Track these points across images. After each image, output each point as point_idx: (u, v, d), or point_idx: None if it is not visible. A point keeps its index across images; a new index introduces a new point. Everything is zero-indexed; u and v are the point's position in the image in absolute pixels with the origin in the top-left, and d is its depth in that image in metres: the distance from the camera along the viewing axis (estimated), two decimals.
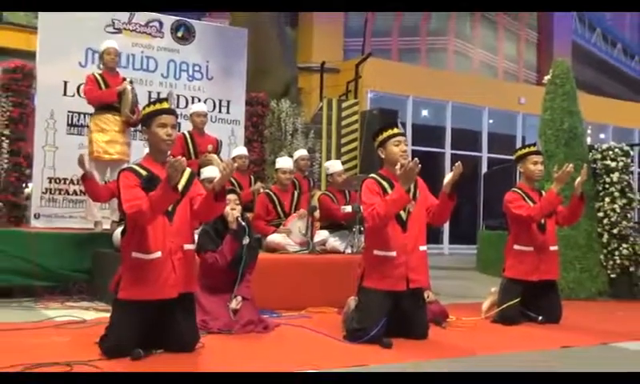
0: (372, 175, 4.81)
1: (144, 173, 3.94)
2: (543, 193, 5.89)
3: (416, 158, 4.33)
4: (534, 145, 6.06)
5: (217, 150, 7.34)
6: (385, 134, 4.73)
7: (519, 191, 5.88)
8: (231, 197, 5.06)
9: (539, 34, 20.86)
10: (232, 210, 4.99)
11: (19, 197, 7.60)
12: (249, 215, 6.54)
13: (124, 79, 7.00)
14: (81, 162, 6.04)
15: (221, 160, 7.17)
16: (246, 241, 4.96)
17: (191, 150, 7.13)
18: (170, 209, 3.91)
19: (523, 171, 5.93)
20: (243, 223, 4.98)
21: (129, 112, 6.81)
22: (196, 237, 6.17)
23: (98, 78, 6.92)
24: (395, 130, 4.74)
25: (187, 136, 7.19)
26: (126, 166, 4.11)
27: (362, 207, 4.80)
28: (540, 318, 5.68)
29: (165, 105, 4.05)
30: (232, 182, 7.27)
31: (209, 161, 6.94)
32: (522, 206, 5.73)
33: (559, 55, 15.78)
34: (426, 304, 5.03)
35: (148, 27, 8.35)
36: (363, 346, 4.41)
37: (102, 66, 7.11)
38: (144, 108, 4.14)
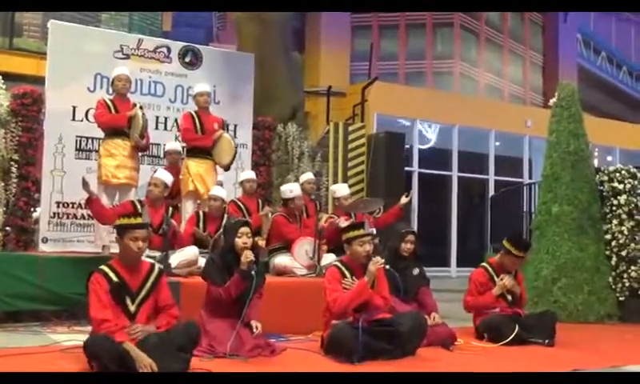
0: (335, 262, 5.32)
1: (114, 278, 4.25)
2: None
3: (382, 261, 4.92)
4: (525, 250, 6.06)
5: (222, 128, 7.43)
6: (351, 234, 5.09)
7: (488, 270, 6.05)
8: (244, 230, 4.97)
9: (544, 57, 20.93)
10: (244, 244, 4.91)
11: (27, 221, 7.63)
12: (257, 239, 6.55)
13: (134, 105, 7.06)
14: (84, 185, 6.06)
15: (232, 139, 7.30)
16: (253, 270, 4.95)
17: (198, 128, 7.20)
18: (132, 310, 4.28)
19: (500, 259, 6.03)
20: (254, 265, 4.90)
21: (138, 137, 6.85)
22: (201, 260, 6.22)
23: (109, 103, 6.98)
24: (361, 231, 5.06)
25: (194, 115, 7.28)
26: (97, 267, 4.33)
27: (326, 291, 5.01)
28: (547, 341, 5.64)
29: (138, 220, 4.40)
30: (240, 206, 7.30)
31: (218, 137, 7.11)
32: (472, 293, 5.98)
33: (565, 78, 15.83)
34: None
35: (156, 53, 8.43)
36: (370, 370, 4.40)
37: (113, 91, 7.19)
38: (120, 217, 4.46)
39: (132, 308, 4.29)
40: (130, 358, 3.90)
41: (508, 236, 6.10)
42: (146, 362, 3.87)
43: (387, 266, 5.17)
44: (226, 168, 7.35)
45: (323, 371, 4.40)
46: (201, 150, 7.16)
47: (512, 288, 5.93)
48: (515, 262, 5.97)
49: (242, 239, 4.93)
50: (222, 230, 6.20)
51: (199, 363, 4.31)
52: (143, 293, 4.35)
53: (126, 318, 4.26)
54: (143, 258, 4.52)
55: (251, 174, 7.67)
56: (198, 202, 7.12)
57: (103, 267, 4.32)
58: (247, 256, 4.84)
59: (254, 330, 4.81)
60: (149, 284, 4.37)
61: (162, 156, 8.14)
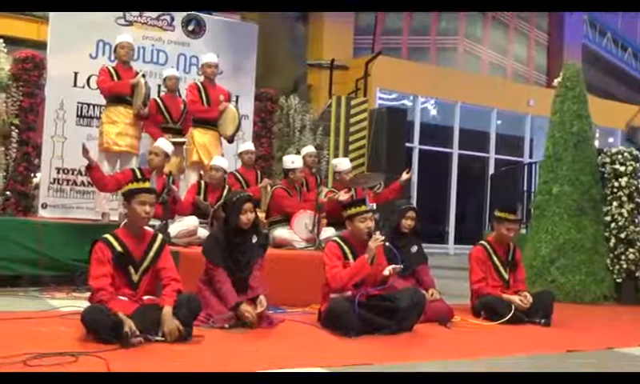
0: (335, 238, 5.26)
1: (118, 247, 4.29)
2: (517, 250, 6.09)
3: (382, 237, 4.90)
4: (514, 211, 6.04)
5: (228, 100, 7.43)
6: (352, 211, 5.03)
7: (486, 248, 5.97)
8: (247, 206, 4.92)
9: (549, 37, 20.78)
10: (248, 220, 4.88)
11: (27, 186, 7.62)
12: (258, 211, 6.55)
13: (137, 73, 7.02)
14: (84, 152, 6.03)
15: (237, 111, 7.29)
16: (254, 240, 4.96)
17: (204, 99, 7.20)
18: (135, 279, 4.34)
19: (496, 232, 6.00)
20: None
21: (141, 104, 6.83)
22: (201, 230, 6.22)
23: (112, 70, 6.96)
24: (362, 208, 5.05)
25: (200, 85, 7.27)
26: (101, 236, 4.37)
27: (325, 266, 4.99)
28: (543, 320, 5.65)
29: (147, 184, 4.47)
30: (238, 178, 7.29)
31: (224, 109, 7.15)
32: (477, 272, 5.88)
33: (569, 58, 15.73)
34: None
35: (159, 20, 8.35)
36: (367, 344, 4.43)
37: (115, 58, 7.15)
38: (127, 183, 4.52)
39: (135, 277, 4.34)
40: (122, 327, 3.91)
41: (498, 207, 6.13)
42: (126, 323, 3.90)
43: (386, 243, 5.17)
44: (230, 140, 7.34)
45: (316, 367, 4.40)
46: (206, 120, 7.16)
47: (522, 307, 5.73)
48: (510, 228, 5.89)
49: (247, 215, 4.91)
50: (222, 201, 6.20)
51: (195, 331, 4.31)
52: (146, 262, 4.37)
53: (129, 287, 4.31)
54: (145, 226, 4.53)
55: (250, 146, 7.65)
56: (201, 172, 7.12)
57: (107, 236, 4.35)
58: (247, 314, 4.70)
59: (258, 307, 4.77)
60: (152, 253, 4.40)
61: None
